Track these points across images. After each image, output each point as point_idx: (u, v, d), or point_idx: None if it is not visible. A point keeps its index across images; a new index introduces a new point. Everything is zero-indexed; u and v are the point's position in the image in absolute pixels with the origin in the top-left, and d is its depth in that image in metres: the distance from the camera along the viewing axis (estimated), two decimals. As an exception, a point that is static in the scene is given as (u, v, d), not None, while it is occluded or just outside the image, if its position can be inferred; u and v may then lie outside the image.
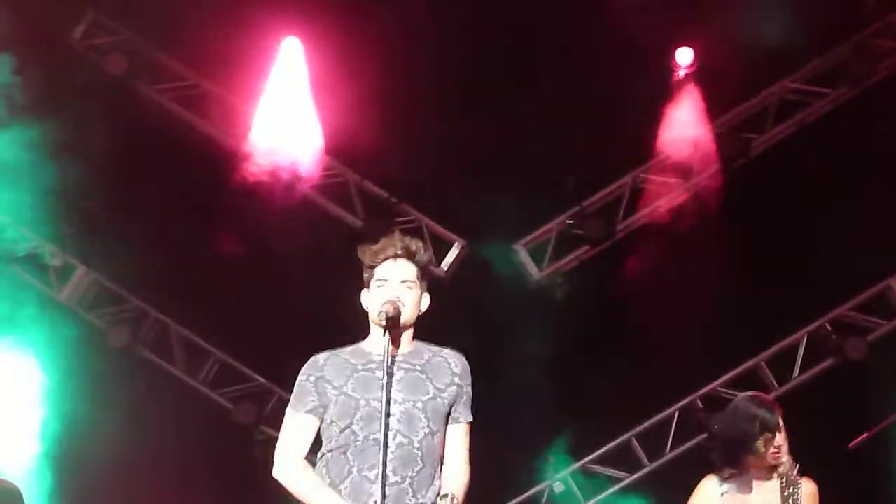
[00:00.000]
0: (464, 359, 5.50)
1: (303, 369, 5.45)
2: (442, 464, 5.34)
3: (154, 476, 10.59)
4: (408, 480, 5.18)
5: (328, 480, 5.24)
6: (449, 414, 5.36)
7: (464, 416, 5.41)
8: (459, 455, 5.40)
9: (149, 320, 11.52)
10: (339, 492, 5.19)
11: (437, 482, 5.30)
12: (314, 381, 5.36)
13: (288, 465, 5.35)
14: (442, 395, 5.34)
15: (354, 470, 5.19)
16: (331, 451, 5.27)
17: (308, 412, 5.34)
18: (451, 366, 5.43)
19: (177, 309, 11.45)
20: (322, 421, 5.34)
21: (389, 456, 5.13)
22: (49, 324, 10.77)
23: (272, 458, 5.41)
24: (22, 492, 6.89)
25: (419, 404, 5.27)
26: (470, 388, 5.46)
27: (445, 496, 5.21)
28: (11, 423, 10.14)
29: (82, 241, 11.04)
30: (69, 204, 10.51)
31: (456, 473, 5.35)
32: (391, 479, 5.12)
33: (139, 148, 10.72)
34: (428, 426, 5.27)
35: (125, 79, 11.22)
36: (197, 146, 11.09)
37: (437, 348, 5.47)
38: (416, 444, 5.23)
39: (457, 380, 5.40)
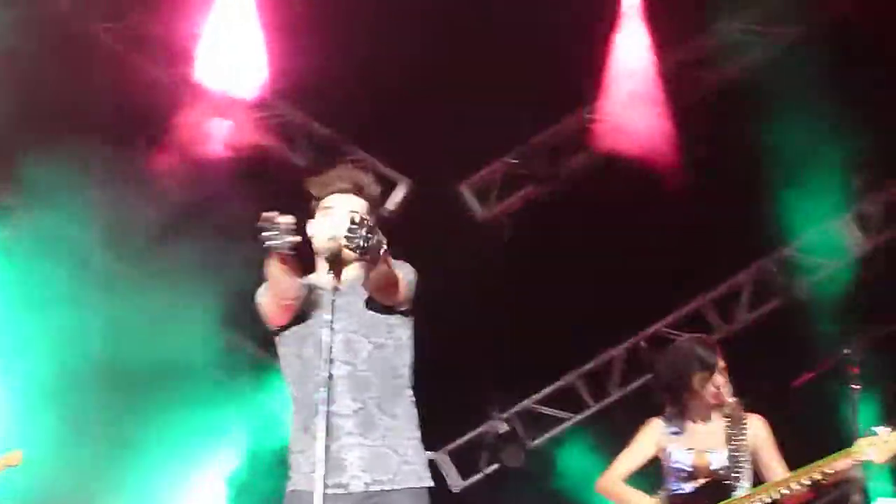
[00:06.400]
0: (407, 264, 5.19)
1: None
2: (404, 370, 5.16)
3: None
4: (370, 402, 5.01)
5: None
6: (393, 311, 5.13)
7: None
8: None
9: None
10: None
11: (406, 390, 5.14)
12: None
13: None
14: (374, 300, 5.08)
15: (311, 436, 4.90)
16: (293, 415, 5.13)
17: None
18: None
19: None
20: None
21: (340, 387, 4.95)
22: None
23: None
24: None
25: (353, 325, 5.05)
26: (411, 276, 5.15)
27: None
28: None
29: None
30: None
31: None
32: (354, 406, 4.96)
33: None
34: (370, 341, 5.07)
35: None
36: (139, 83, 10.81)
37: None
38: (361, 367, 5.02)
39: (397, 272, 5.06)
